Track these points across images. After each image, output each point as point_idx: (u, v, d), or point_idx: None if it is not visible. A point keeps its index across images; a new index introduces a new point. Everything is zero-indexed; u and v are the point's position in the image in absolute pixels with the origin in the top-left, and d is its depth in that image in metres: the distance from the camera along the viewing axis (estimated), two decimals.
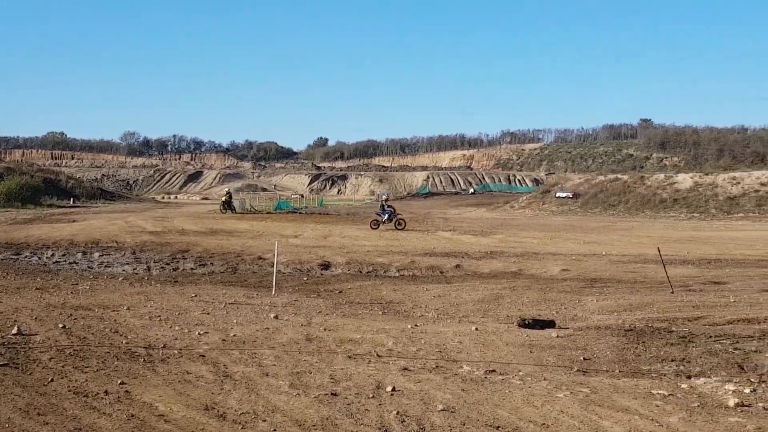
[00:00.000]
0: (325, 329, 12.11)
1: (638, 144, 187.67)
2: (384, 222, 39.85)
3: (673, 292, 17.02)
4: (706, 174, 72.90)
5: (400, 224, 39.45)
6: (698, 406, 7.66)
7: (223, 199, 57.05)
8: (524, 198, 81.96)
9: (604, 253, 26.83)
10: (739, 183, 66.56)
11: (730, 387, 8.66)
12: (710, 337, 12.32)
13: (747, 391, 8.50)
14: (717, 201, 64.05)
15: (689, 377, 9.57)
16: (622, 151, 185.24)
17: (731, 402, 7.81)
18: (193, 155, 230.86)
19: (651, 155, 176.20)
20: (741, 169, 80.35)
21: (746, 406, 7.74)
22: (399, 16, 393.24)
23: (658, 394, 8.17)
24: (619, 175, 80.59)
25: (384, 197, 45.68)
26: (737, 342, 11.96)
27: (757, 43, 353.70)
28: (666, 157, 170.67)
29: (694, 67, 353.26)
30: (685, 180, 69.77)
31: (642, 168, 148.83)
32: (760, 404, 7.85)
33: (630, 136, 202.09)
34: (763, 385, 9.08)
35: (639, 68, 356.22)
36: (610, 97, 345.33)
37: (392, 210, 40.94)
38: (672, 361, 10.69)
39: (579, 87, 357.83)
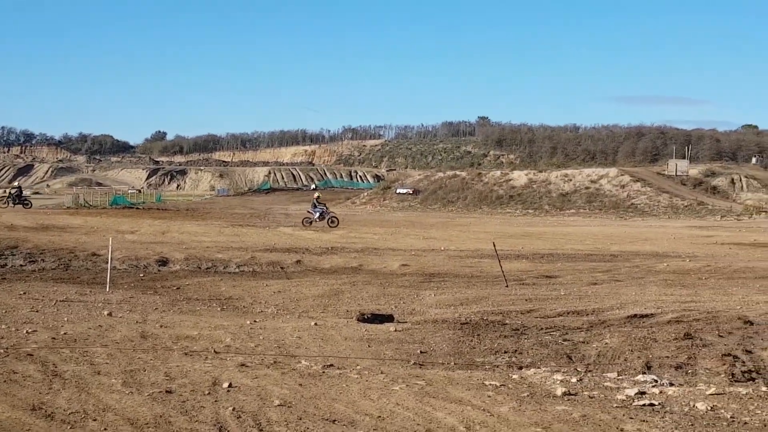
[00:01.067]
0: (161, 326, 11.84)
1: (476, 141, 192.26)
2: (316, 220, 38.79)
3: (507, 286, 17.51)
4: (540, 171, 75.61)
5: (333, 222, 38.50)
6: (528, 395, 7.90)
7: (10, 192, 53.01)
8: (365, 194, 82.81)
9: (442, 249, 27.35)
10: (571, 180, 69.32)
11: (559, 377, 8.98)
12: (541, 329, 12.75)
13: (574, 380, 8.83)
14: (550, 197, 66.49)
15: (521, 368, 9.88)
16: (461, 148, 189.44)
17: (559, 391, 8.09)
18: (23, 148, 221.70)
19: (488, 152, 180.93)
20: (573, 167, 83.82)
21: (573, 394, 8.03)
22: (240, 12, 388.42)
23: (490, 384, 8.37)
24: (458, 172, 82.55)
25: (315, 194, 43.58)
26: (566, 333, 12.44)
27: (589, 46, 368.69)
28: (503, 155, 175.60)
29: (529, 67, 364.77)
30: (520, 177, 72.11)
31: (480, 165, 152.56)
32: (586, 393, 8.16)
33: (468, 133, 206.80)
34: (589, 374, 9.47)
35: (476, 67, 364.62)
36: (449, 95, 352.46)
37: (324, 207, 39.77)
38: (505, 352, 11.01)
39: (419, 84, 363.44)
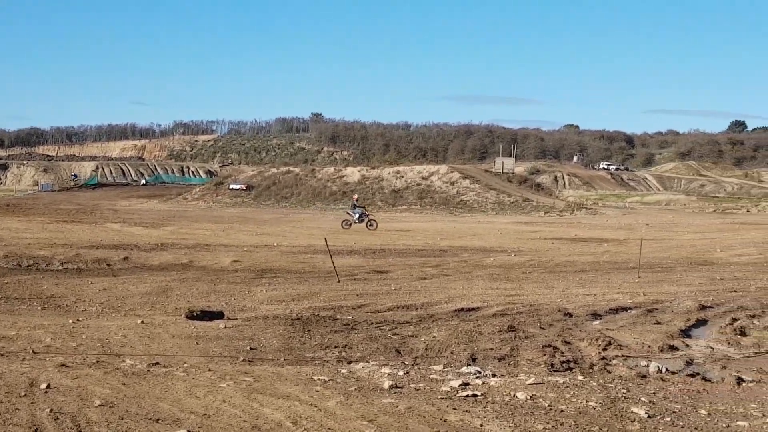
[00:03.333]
0: None
1: (310, 138, 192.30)
2: (355, 222, 37.69)
3: (339, 282, 17.60)
4: (373, 168, 76.43)
5: (371, 225, 37.36)
6: (356, 389, 7.96)
7: None
8: (198, 190, 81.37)
9: (275, 245, 27.25)
10: (403, 177, 70.39)
11: (386, 370, 9.10)
12: (372, 323, 12.88)
13: (401, 373, 8.96)
14: (383, 194, 67.29)
15: (350, 362, 9.95)
16: (295, 144, 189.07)
17: (386, 384, 8.19)
18: None
19: (322, 149, 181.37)
20: (405, 164, 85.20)
21: (399, 387, 8.15)
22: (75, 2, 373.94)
23: (319, 379, 8.39)
24: (292, 168, 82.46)
25: (355, 196, 43.04)
26: (396, 328, 12.61)
27: (420, 45, 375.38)
28: (336, 151, 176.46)
29: (363, 64, 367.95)
30: (353, 173, 72.66)
31: (314, 161, 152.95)
32: (412, 385, 8.30)
33: (302, 129, 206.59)
34: (416, 367, 9.64)
35: (310, 63, 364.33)
36: (282, 91, 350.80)
37: (363, 209, 38.90)
38: (335, 347, 11.05)
39: (252, 79, 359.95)
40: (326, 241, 19.95)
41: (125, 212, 48.33)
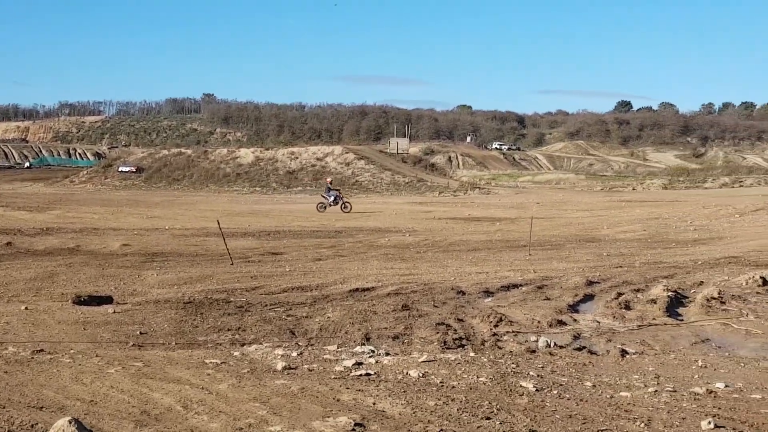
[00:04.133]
0: None
1: (202, 119, 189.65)
2: (330, 204, 37.89)
3: (233, 264, 17.42)
4: (267, 149, 75.80)
5: (346, 207, 37.62)
6: (248, 371, 7.87)
7: None
8: (85, 172, 79.04)
9: (167, 228, 26.77)
10: (297, 158, 70.02)
11: (280, 352, 9.03)
12: (266, 305, 12.79)
13: (295, 354, 8.91)
14: (278, 175, 66.81)
15: (243, 345, 9.85)
16: (187, 125, 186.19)
17: (279, 366, 8.12)
18: None
19: (215, 130, 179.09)
20: (299, 145, 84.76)
21: (293, 368, 8.10)
22: None
23: (211, 363, 8.27)
24: (183, 150, 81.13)
25: (329, 179, 44.11)
26: (291, 309, 12.55)
27: (311, 26, 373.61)
28: (230, 132, 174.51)
29: (253, 44, 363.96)
30: (247, 155, 71.86)
31: (206, 143, 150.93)
32: (306, 366, 8.26)
33: (194, 110, 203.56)
34: (310, 348, 9.60)
35: (201, 42, 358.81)
36: (172, 71, 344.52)
37: (338, 192, 39.25)
38: (228, 330, 10.93)
39: (140, 59, 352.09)
40: (219, 223, 19.71)
41: (8, 196, 46.73)
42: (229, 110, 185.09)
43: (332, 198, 38.76)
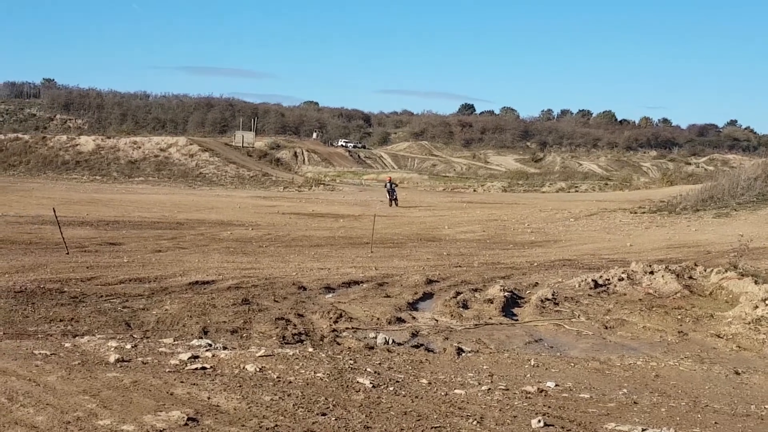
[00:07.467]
0: None
1: (42, 104, 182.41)
2: (394, 200, 41.21)
3: (68, 253, 16.93)
4: (109, 137, 73.66)
5: (396, 203, 41.17)
6: (79, 363, 7.68)
7: None
8: None
9: (0, 214, 25.70)
10: (140, 147, 68.38)
11: (113, 344, 8.84)
12: (102, 296, 12.51)
13: (129, 347, 8.74)
14: (119, 164, 65.08)
15: (75, 336, 9.61)
16: (25, 110, 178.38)
17: (112, 358, 7.97)
18: None
19: (55, 116, 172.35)
20: (143, 134, 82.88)
21: (126, 361, 7.96)
22: None
23: (40, 354, 8.03)
24: (20, 135, 77.86)
25: (389, 176, 50.65)
26: (127, 300, 12.33)
27: (155, 10, 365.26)
28: (70, 119, 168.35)
29: (95, 30, 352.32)
30: (87, 142, 69.67)
31: (46, 129, 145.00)
32: (140, 359, 8.13)
33: (33, 95, 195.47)
34: (145, 340, 9.45)
35: (40, 24, 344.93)
36: (11, 54, 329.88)
37: (395, 188, 42.61)
38: (61, 321, 10.65)
39: None
40: (54, 211, 19.09)
41: None
42: (70, 96, 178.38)
43: (395, 195, 41.83)
